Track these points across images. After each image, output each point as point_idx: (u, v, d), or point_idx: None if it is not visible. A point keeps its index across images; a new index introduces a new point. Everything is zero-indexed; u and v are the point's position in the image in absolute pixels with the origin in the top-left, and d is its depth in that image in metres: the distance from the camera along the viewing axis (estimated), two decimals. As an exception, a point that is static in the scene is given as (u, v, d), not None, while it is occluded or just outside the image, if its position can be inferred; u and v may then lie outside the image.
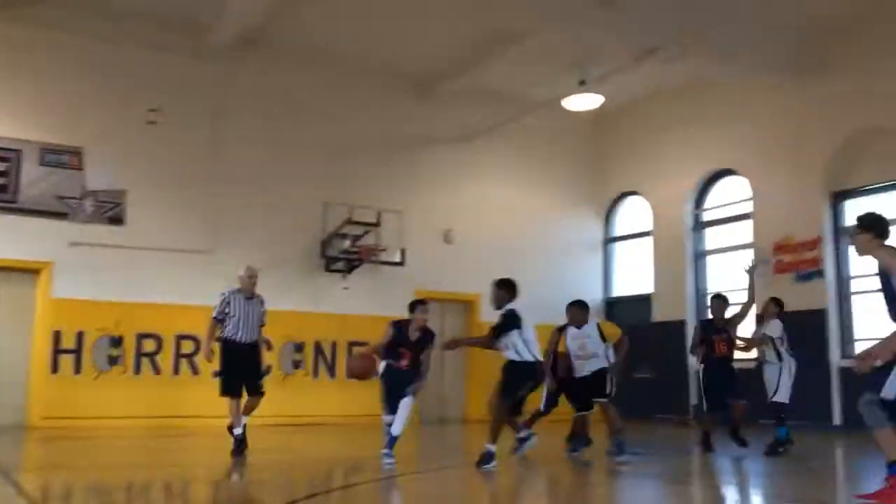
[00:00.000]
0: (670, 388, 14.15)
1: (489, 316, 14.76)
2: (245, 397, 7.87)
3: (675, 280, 14.48)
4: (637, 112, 15.53)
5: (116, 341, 11.78)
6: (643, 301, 15.06)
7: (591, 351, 7.91)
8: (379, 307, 13.14)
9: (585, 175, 16.23)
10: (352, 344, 13.32)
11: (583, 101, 13.78)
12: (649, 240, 15.35)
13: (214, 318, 7.92)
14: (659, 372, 14.30)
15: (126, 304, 11.86)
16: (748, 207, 13.72)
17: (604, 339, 8.01)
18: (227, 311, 7.87)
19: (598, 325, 8.18)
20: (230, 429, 7.78)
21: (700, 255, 14.64)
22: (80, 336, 11.60)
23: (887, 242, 4.94)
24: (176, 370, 12.13)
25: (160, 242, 12.23)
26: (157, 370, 12.01)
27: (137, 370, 11.91)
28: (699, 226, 14.76)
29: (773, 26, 12.19)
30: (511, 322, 6.93)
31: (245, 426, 7.75)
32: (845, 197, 12.49)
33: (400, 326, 7.43)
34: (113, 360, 11.74)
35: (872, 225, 5.01)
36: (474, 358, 13.35)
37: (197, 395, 11.89)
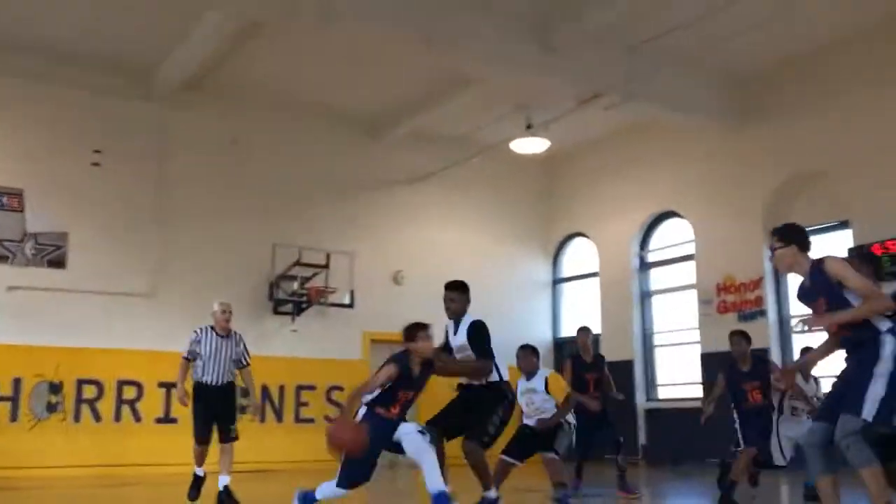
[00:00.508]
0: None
1: (439, 358, 14.74)
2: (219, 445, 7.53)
3: (622, 320, 14.67)
4: (583, 155, 15.85)
5: (55, 387, 11.43)
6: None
7: (538, 407, 6.92)
8: (328, 350, 13.05)
9: (533, 217, 16.44)
10: (300, 387, 13.17)
11: (529, 145, 14.01)
12: (596, 280, 15.56)
13: (184, 357, 7.51)
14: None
15: (66, 350, 11.53)
16: (691, 249, 14.04)
17: (548, 392, 6.94)
18: (196, 349, 7.42)
19: (546, 379, 7.05)
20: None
21: (646, 296, 14.89)
22: (16, 382, 11.23)
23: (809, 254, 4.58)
24: (117, 417, 11.80)
25: (102, 286, 11.97)
26: (97, 417, 11.66)
27: (77, 417, 11.55)
28: (644, 266, 15.02)
29: (713, 74, 12.65)
30: (487, 334, 5.90)
31: (227, 485, 7.31)
32: (784, 238, 12.84)
33: (405, 361, 5.25)
34: (51, 407, 11.37)
35: (794, 237, 4.60)
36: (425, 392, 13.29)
37: (139, 443, 11.61)
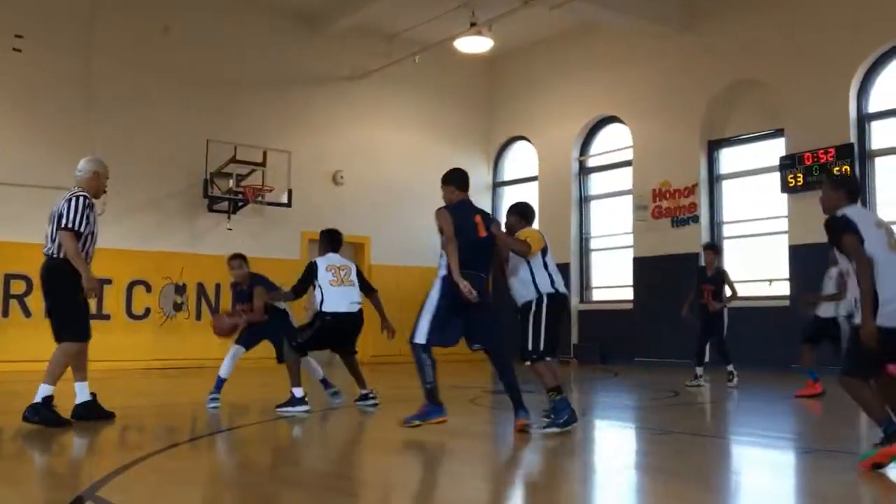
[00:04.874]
0: (552, 329, 14.59)
1: (379, 259, 14.80)
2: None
3: (560, 224, 14.83)
4: (526, 57, 15.64)
5: (-19, 283, 11.10)
6: (528, 244, 15.36)
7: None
8: (264, 249, 12.88)
9: (475, 119, 16.29)
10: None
11: (473, 44, 13.74)
12: (535, 184, 15.63)
13: (77, 231, 5.65)
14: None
15: (-9, 244, 11.16)
16: (629, 154, 14.14)
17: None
18: (88, 223, 5.72)
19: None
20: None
21: (584, 200, 15.04)
22: (-61, 277, 10.87)
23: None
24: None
25: (26, 178, 11.50)
26: (27, 312, 11.38)
27: (6, 313, 11.29)
28: (584, 171, 15.13)
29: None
30: (305, 272, 6.92)
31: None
32: (720, 146, 13.06)
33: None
34: (-23, 303, 11.07)
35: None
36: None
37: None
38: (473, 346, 5.59)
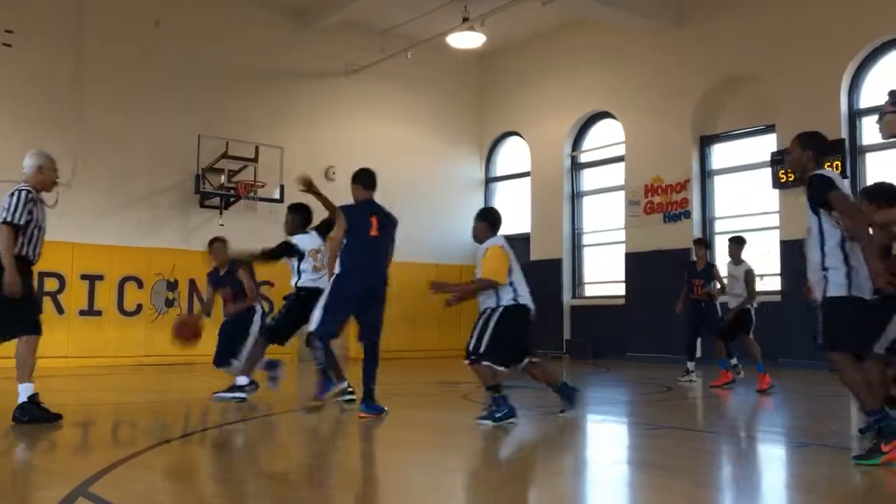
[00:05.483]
0: (546, 324, 14.62)
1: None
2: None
3: (552, 220, 14.86)
4: (519, 53, 15.64)
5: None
6: (521, 240, 15.37)
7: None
8: (257, 244, 12.80)
9: (468, 114, 16.28)
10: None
11: (465, 39, 13.74)
12: (527, 180, 15.63)
13: (14, 223, 5.52)
14: (535, 308, 14.72)
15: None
16: (622, 150, 14.16)
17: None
18: (31, 217, 5.61)
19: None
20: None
21: (576, 196, 15.06)
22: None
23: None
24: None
25: (16, 175, 11.41)
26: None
27: None
28: (576, 167, 15.14)
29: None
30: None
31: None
32: (712, 141, 13.09)
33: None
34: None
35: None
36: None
37: (62, 336, 11.39)
38: (360, 338, 6.02)
